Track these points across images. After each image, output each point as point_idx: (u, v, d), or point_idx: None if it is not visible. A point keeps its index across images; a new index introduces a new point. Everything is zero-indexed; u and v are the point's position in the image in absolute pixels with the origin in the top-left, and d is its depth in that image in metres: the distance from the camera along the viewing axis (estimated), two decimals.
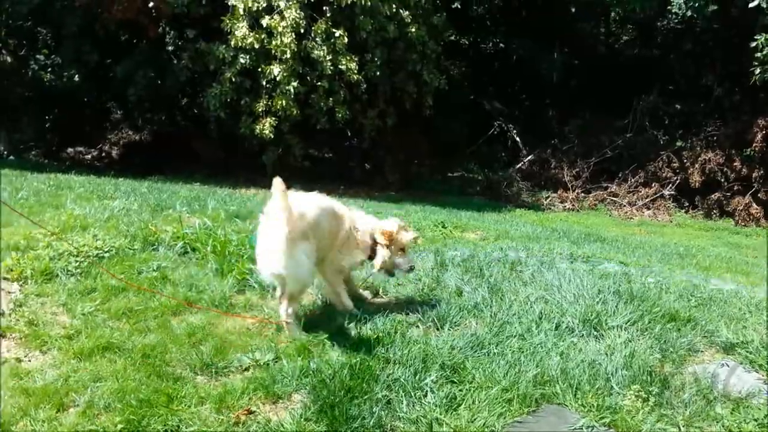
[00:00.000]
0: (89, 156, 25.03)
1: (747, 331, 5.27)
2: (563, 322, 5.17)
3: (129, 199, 9.32)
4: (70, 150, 24.89)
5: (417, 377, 4.05)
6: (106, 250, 6.01)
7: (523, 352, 4.60)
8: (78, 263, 5.74)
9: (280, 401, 3.83)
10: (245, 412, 3.60)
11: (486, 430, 3.45)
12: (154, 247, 6.48)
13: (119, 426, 3.29)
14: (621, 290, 5.86)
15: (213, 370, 4.12)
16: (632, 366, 4.37)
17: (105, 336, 4.44)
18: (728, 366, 4.55)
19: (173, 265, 6.03)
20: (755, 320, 5.62)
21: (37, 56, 20.67)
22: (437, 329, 5.01)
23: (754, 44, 17.42)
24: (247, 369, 4.20)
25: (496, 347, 4.64)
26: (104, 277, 5.50)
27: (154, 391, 3.74)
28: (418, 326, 4.95)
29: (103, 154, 25.31)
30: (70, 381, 3.84)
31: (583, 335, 4.97)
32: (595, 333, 5.04)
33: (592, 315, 5.24)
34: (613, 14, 25.28)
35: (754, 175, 20.52)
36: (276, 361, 4.27)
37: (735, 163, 20.88)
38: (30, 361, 4.19)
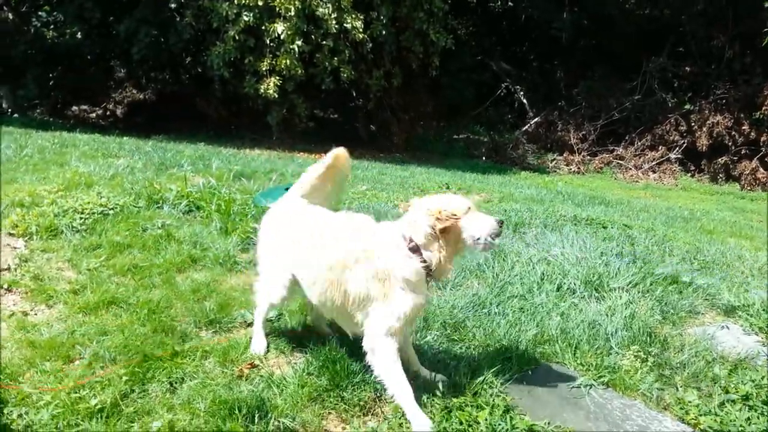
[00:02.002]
0: (94, 114, 24.92)
1: (748, 294, 5.29)
2: (565, 283, 5.21)
3: (133, 157, 9.34)
4: (74, 108, 24.77)
5: (418, 335, 4.09)
6: (110, 207, 6.04)
7: (523, 312, 4.64)
8: (83, 220, 5.77)
9: (283, 356, 3.88)
10: (249, 365, 3.66)
11: (485, 386, 3.49)
12: (159, 205, 6.51)
13: (124, 378, 3.35)
14: (624, 252, 5.88)
15: (217, 326, 4.18)
16: (632, 327, 4.42)
17: (110, 291, 4.49)
18: (728, 328, 4.58)
19: (178, 223, 6.07)
20: (757, 284, 5.65)
21: (39, 13, 20.38)
22: (439, 289, 5.05)
23: (767, 4, 17.02)
24: (250, 324, 4.23)
25: (497, 307, 4.68)
26: (109, 233, 5.54)
27: (159, 345, 3.80)
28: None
29: (108, 113, 25.19)
30: (76, 334, 3.90)
31: (584, 296, 5.01)
32: (597, 294, 5.07)
33: (593, 276, 5.28)
34: None
35: (763, 138, 20.26)
36: (279, 317, 4.32)
37: (743, 127, 20.59)
38: (36, 314, 4.25)
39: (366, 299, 3.26)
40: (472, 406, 3.34)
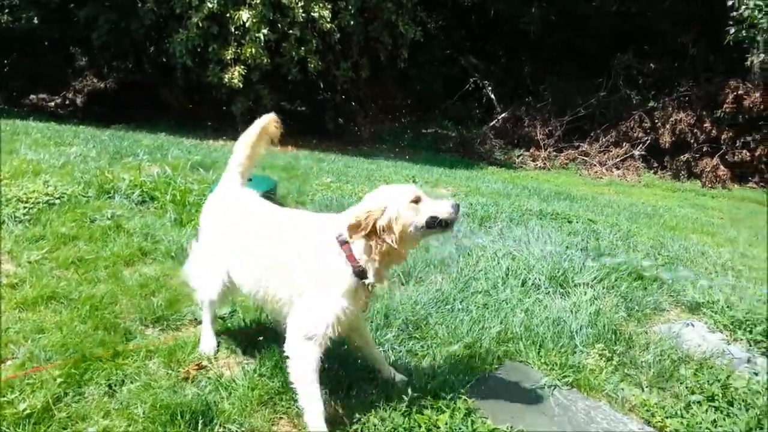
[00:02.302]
0: (52, 104, 24.09)
1: (713, 290, 5.25)
2: (530, 278, 5.10)
3: (87, 146, 8.95)
4: (32, 97, 23.92)
5: (378, 333, 3.92)
6: (57, 196, 5.72)
7: (488, 308, 4.51)
8: (26, 210, 5.44)
9: (234, 356, 3.67)
10: (196, 367, 3.44)
11: (446, 388, 3.33)
12: (110, 195, 6.20)
13: (58, 380, 3.10)
14: (588, 247, 5.80)
15: (165, 323, 3.94)
16: (597, 324, 4.32)
17: (51, 285, 4.21)
18: (693, 326, 4.52)
19: (129, 214, 5.78)
20: (721, 281, 5.62)
21: None
22: (402, 284, 4.90)
23: (730, 2, 17.24)
24: (201, 322, 4.01)
25: (460, 303, 4.54)
26: (54, 224, 5.23)
27: (99, 344, 3.55)
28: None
29: (67, 102, 24.39)
30: (10, 332, 3.62)
31: (549, 292, 4.90)
32: (561, 290, 4.98)
33: (558, 272, 5.18)
34: None
35: (723, 137, 20.61)
36: (232, 314, 4.11)
37: (705, 125, 20.90)
38: None
39: (292, 298, 3.02)
40: (432, 408, 3.18)
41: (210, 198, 3.76)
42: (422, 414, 3.11)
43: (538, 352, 3.94)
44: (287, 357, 2.96)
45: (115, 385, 3.23)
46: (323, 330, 2.90)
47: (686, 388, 3.69)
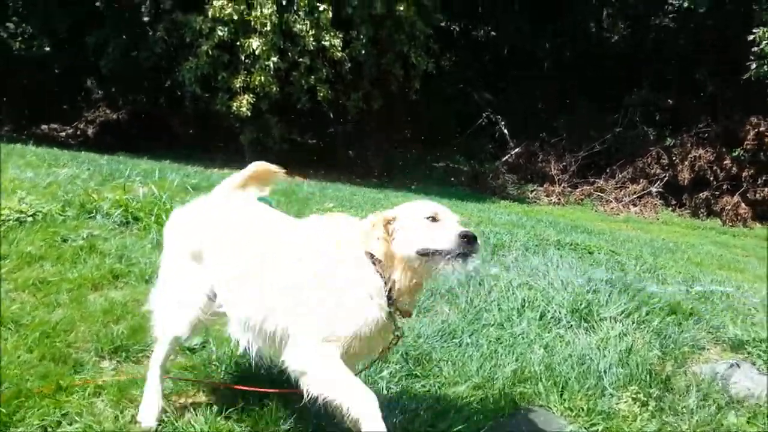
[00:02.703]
0: (64, 134, 24.06)
1: (755, 327, 4.63)
2: (548, 311, 4.52)
3: (81, 167, 8.53)
4: (44, 127, 23.93)
5: (372, 369, 3.34)
6: (30, 214, 5.23)
7: (501, 343, 3.93)
8: None
9: (201, 393, 3.11)
10: None
11: None
12: (92, 215, 5.72)
13: None
14: (614, 279, 5.21)
15: (124, 354, 3.39)
16: (628, 363, 3.72)
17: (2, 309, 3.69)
18: (738, 366, 3.90)
19: (108, 234, 5.29)
20: (763, 317, 5.00)
21: (7, 24, 19.63)
22: (403, 315, 4.31)
23: (751, 37, 16.85)
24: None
25: (470, 337, 3.97)
26: (21, 243, 4.74)
27: (41, 377, 3.01)
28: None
29: (78, 132, 24.37)
30: None
31: (571, 326, 4.32)
32: (585, 324, 4.38)
33: (581, 304, 4.59)
34: (605, 12, 24.81)
35: (744, 174, 20.04)
36: (203, 347, 3.55)
37: (725, 162, 20.36)
38: None
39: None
40: None
41: (180, 211, 3.14)
42: None
43: (561, 395, 3.35)
44: (299, 371, 2.38)
45: (51, 427, 2.69)
46: (349, 332, 2.36)
47: None
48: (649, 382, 3.55)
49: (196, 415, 2.84)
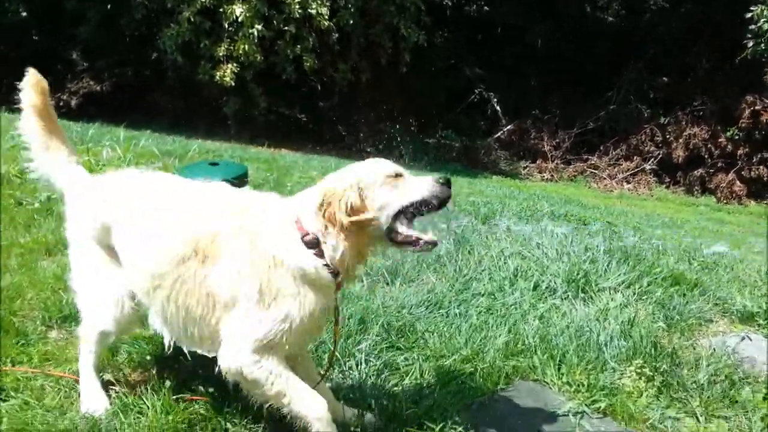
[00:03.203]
0: None
1: (764, 299, 4.33)
2: (543, 281, 4.20)
3: None
4: None
5: (349, 340, 3.01)
6: None
7: (492, 313, 3.61)
8: None
9: (158, 367, 2.77)
10: None
11: (435, 414, 2.43)
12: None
13: None
14: (612, 248, 4.89)
15: (73, 324, 3.03)
16: (631, 336, 3.41)
17: None
18: (750, 339, 3.60)
19: None
20: None
21: None
22: (387, 284, 3.99)
23: (749, 15, 16.48)
24: None
25: (458, 307, 3.64)
26: None
27: None
28: (362, 280, 3.88)
29: (61, 104, 23.78)
30: None
31: (567, 296, 4.00)
32: (583, 295, 4.07)
33: (578, 274, 4.27)
34: None
35: (739, 152, 19.81)
36: None
37: (720, 140, 20.12)
38: None
39: (234, 300, 2.07)
40: None
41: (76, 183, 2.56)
42: None
43: (558, 369, 3.03)
44: (237, 380, 2.10)
45: None
46: (280, 340, 2.04)
47: (754, 416, 2.78)
48: (654, 355, 3.23)
49: (148, 391, 2.49)
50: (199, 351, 2.38)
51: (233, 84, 14.46)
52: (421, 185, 2.11)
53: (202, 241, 2.10)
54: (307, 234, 2.05)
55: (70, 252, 2.53)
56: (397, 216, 2.07)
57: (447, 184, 2.14)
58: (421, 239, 2.09)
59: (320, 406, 2.09)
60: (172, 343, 2.34)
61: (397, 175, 2.12)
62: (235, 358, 2.05)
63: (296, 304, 2.03)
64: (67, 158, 2.62)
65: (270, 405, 2.12)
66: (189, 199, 2.27)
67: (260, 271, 2.03)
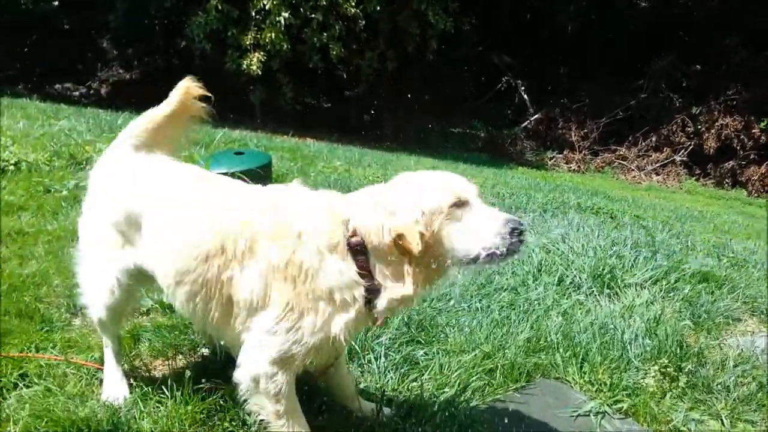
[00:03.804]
0: (77, 93, 23.86)
1: None
2: (567, 276, 4.14)
3: (79, 121, 8.21)
4: (57, 86, 23.72)
5: (369, 333, 3.00)
6: (12, 162, 4.92)
7: (514, 309, 3.57)
8: None
9: (179, 356, 2.80)
10: None
11: (455, 410, 2.42)
12: (82, 166, 5.40)
13: None
14: (640, 243, 4.80)
15: None
16: (656, 334, 3.34)
17: None
18: None
19: None
20: None
21: None
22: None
23: None
24: (147, 313, 3.17)
25: (479, 302, 3.60)
26: (2, 192, 4.44)
27: (4, 334, 2.71)
28: None
29: (92, 92, 24.15)
30: None
31: (592, 292, 3.94)
32: (608, 291, 4.00)
33: (604, 269, 4.20)
34: None
35: None
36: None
37: (753, 131, 19.61)
38: None
39: (257, 305, 1.97)
40: None
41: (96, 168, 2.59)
42: None
43: (581, 368, 2.99)
44: (246, 383, 2.02)
45: (5, 389, 2.38)
46: (303, 355, 1.95)
47: None
48: (679, 355, 3.17)
49: (168, 380, 2.51)
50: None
51: (260, 73, 14.51)
52: (490, 229, 1.82)
53: (231, 238, 1.99)
54: (354, 235, 1.89)
55: (81, 242, 2.52)
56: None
57: (520, 235, 1.83)
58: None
59: None
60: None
61: (462, 203, 1.87)
62: (252, 367, 1.98)
63: (324, 319, 1.92)
64: None
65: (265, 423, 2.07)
66: (224, 194, 2.18)
67: (291, 277, 1.91)
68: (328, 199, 2.05)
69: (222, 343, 2.28)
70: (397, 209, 1.86)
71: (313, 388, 2.44)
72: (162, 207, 2.19)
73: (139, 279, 2.35)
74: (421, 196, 1.87)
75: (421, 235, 1.81)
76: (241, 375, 2.01)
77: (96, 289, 2.39)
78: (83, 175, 5.19)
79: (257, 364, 1.97)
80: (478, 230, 1.82)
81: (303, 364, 1.99)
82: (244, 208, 2.05)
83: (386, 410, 2.43)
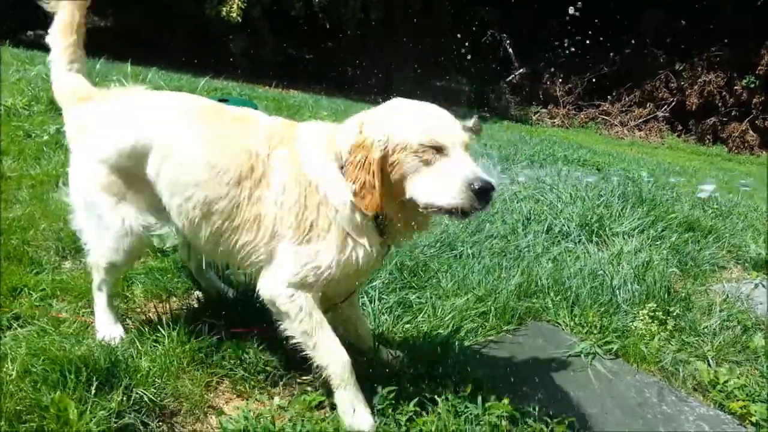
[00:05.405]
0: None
1: None
2: (556, 224, 4.17)
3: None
4: (29, 33, 22.94)
5: None
6: None
7: (505, 255, 3.59)
8: None
9: (173, 298, 2.79)
10: None
11: (449, 351, 2.44)
12: (60, 111, 5.25)
13: None
14: (627, 193, 4.83)
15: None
16: (644, 280, 3.39)
17: None
18: (764, 286, 3.59)
19: None
20: None
21: None
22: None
23: None
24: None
25: (471, 248, 3.61)
26: None
27: None
28: None
29: None
30: None
31: (581, 240, 3.97)
32: (596, 239, 4.04)
33: (592, 218, 4.23)
34: None
35: (754, 101, 19.39)
36: (176, 249, 3.19)
37: (735, 88, 19.67)
38: None
39: (278, 229, 2.00)
40: (430, 378, 2.29)
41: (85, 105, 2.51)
42: (416, 386, 2.21)
43: (571, 311, 3.04)
44: (271, 306, 2.07)
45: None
46: (320, 280, 1.99)
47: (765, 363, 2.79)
48: (667, 300, 3.23)
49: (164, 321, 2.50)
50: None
51: (240, 20, 14.13)
52: (455, 184, 1.76)
53: (253, 162, 2.01)
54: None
55: (72, 180, 2.47)
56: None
57: (487, 194, 1.76)
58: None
59: (342, 362, 2.04)
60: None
61: (437, 149, 1.80)
62: (271, 288, 2.03)
63: (334, 244, 1.95)
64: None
65: (297, 344, 2.08)
66: (236, 122, 2.15)
67: (302, 203, 1.96)
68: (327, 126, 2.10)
69: (246, 271, 2.28)
70: (366, 126, 1.87)
71: None
72: (176, 135, 2.13)
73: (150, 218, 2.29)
74: (393, 123, 1.85)
75: (381, 161, 1.80)
76: (262, 294, 2.06)
77: (106, 233, 2.30)
78: (62, 120, 5.08)
79: (276, 285, 2.02)
80: (444, 182, 1.78)
81: (321, 286, 2.02)
82: (261, 131, 2.07)
83: (398, 353, 2.44)
